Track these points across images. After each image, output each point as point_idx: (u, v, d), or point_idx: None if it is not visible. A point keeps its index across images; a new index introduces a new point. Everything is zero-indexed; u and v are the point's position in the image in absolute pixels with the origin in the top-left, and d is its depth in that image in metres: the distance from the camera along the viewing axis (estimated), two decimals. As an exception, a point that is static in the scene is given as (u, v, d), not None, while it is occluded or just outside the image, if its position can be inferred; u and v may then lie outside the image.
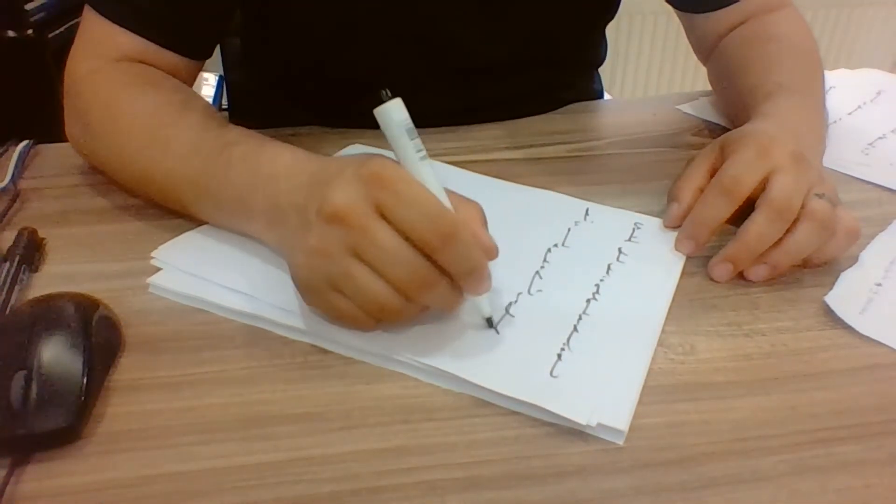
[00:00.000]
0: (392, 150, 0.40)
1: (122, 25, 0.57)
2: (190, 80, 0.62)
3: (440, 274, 0.39)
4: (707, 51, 0.73)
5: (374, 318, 0.41)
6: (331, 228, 0.39)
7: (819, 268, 0.49)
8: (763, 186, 0.47)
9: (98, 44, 0.58)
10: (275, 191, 0.44)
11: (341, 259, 0.39)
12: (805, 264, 0.49)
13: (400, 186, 0.38)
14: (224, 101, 1.22)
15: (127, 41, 0.57)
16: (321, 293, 0.41)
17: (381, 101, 0.39)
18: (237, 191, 0.47)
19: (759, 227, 0.46)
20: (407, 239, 0.38)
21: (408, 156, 0.40)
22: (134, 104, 0.55)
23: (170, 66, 0.59)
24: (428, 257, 0.38)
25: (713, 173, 0.51)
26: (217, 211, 0.50)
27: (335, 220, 0.38)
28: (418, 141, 0.40)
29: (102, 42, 0.58)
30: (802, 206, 0.46)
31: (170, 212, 0.54)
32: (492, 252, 0.41)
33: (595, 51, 0.82)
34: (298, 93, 0.75)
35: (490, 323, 0.43)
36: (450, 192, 0.41)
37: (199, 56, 0.62)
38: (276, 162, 0.46)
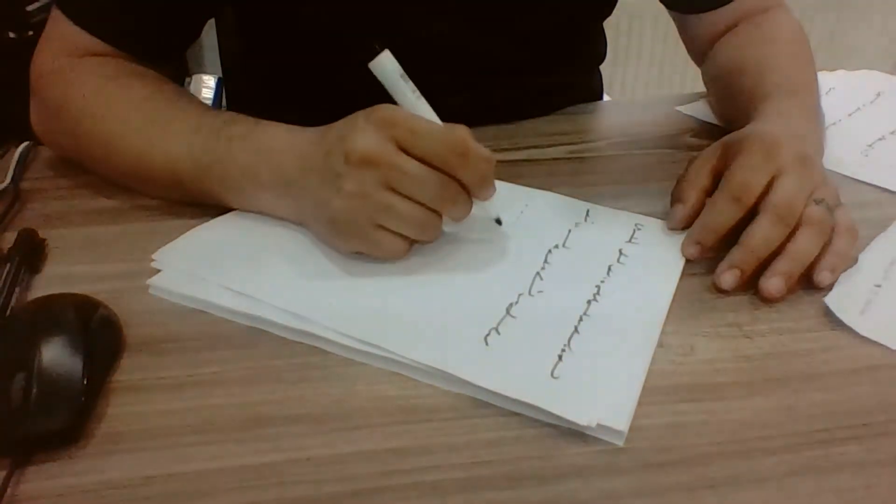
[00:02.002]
0: (390, 93, 0.45)
1: (84, 29, 0.57)
2: None
3: (459, 187, 0.45)
4: (700, 52, 0.73)
5: (410, 242, 0.47)
6: (363, 171, 0.43)
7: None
8: (768, 189, 0.47)
9: (64, 41, 0.58)
10: (280, 163, 0.48)
11: (379, 195, 0.44)
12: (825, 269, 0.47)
13: (411, 123, 0.44)
14: (223, 104, 1.22)
15: (90, 41, 0.57)
16: (363, 232, 0.45)
17: (374, 55, 0.44)
18: (241, 167, 0.50)
19: (763, 231, 0.46)
20: (428, 165, 0.43)
21: (406, 97, 0.45)
22: (126, 91, 0.55)
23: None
24: (448, 175, 0.44)
25: (716, 174, 0.51)
26: (221, 186, 0.51)
27: (365, 163, 0.43)
28: (410, 83, 0.45)
29: (67, 39, 0.58)
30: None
31: (170, 212, 0.54)
32: (491, 161, 0.45)
33: (595, 47, 0.82)
34: (298, 96, 0.75)
35: (499, 222, 0.50)
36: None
37: (163, 63, 0.61)
38: (275, 138, 0.50)
